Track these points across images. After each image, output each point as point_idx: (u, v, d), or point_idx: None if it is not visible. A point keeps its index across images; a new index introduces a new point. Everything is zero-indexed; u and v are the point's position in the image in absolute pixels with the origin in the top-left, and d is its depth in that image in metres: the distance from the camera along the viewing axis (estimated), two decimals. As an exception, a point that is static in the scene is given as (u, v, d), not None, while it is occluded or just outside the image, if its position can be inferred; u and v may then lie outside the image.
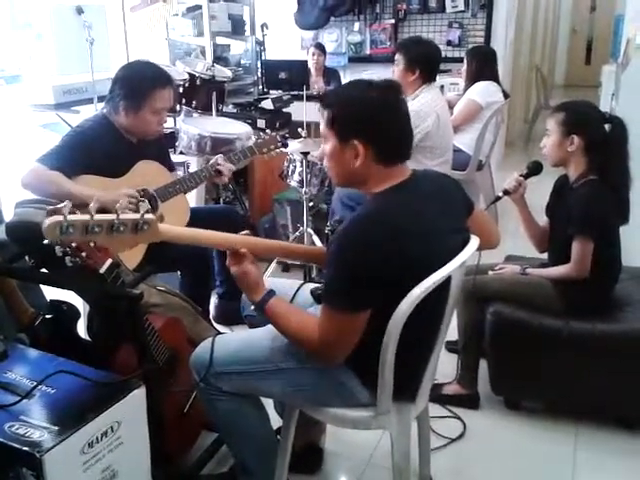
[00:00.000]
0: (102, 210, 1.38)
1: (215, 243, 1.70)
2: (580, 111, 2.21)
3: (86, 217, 1.33)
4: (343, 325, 1.45)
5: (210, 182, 2.73)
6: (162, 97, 2.35)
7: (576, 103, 2.25)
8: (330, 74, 5.44)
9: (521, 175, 2.34)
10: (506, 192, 2.35)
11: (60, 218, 1.30)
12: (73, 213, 1.31)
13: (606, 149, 2.15)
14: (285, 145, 2.85)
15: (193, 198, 3.22)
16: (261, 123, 4.03)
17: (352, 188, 1.63)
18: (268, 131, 2.87)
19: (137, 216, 1.39)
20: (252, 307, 1.59)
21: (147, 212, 1.41)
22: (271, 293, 1.56)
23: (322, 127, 1.55)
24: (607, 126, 2.18)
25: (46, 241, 1.38)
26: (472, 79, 4.12)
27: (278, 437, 1.79)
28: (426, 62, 3.21)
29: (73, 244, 1.42)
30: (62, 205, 1.31)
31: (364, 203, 1.54)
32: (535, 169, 2.36)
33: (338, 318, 1.44)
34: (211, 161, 2.60)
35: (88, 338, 1.95)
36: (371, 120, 1.48)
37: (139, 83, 2.34)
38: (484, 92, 4.04)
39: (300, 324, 1.52)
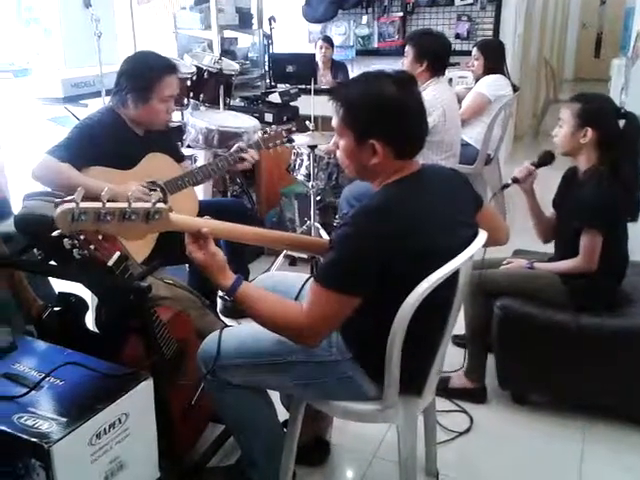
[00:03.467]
0: (113, 201, 1.37)
1: (227, 234, 1.67)
2: (597, 104, 2.19)
3: (98, 205, 1.33)
4: (329, 305, 1.42)
5: (231, 170, 2.72)
6: (170, 85, 2.37)
7: (594, 96, 2.23)
8: (338, 67, 5.43)
9: (532, 164, 2.33)
10: (515, 180, 2.33)
11: (72, 205, 1.30)
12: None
13: (619, 145, 2.14)
14: (291, 141, 2.84)
15: (201, 191, 3.23)
16: (268, 117, 4.02)
17: (365, 180, 1.61)
18: (274, 126, 2.86)
19: (149, 205, 1.39)
20: (222, 293, 1.54)
21: (159, 201, 1.40)
22: (241, 278, 1.51)
23: (335, 122, 1.52)
24: (621, 122, 2.16)
25: (55, 233, 1.39)
26: (487, 73, 4.09)
27: (285, 430, 1.80)
28: (435, 54, 3.19)
29: (82, 236, 1.42)
30: (71, 198, 1.31)
31: (374, 194, 1.52)
32: (547, 159, 2.33)
33: (326, 297, 1.41)
34: (233, 148, 2.59)
35: (96, 330, 1.96)
36: (390, 120, 1.45)
37: (145, 74, 2.34)
38: (493, 85, 4.01)
39: (277, 306, 1.48)
